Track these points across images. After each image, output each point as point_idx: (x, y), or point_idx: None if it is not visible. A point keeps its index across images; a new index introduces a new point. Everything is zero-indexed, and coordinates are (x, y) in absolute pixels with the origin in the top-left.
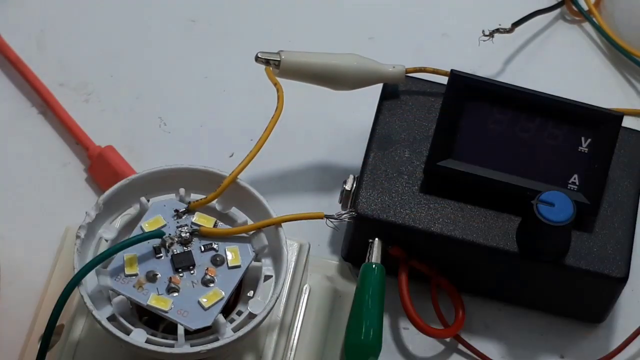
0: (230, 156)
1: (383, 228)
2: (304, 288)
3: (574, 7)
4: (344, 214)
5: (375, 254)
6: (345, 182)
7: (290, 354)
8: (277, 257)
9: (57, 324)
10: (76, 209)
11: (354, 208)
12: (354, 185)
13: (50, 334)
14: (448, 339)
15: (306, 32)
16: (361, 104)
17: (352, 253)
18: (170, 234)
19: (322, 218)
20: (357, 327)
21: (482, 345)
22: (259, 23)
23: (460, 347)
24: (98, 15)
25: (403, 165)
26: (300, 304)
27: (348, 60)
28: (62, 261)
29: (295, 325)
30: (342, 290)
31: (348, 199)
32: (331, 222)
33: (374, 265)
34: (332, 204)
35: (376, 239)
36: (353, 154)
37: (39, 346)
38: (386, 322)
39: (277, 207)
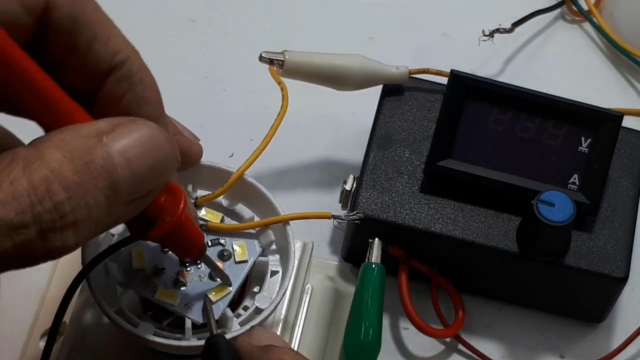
0: (230, 156)
1: (383, 228)
2: (307, 287)
3: (574, 7)
4: (351, 215)
5: (375, 254)
6: (345, 182)
7: None
8: (283, 253)
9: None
10: None
11: (358, 209)
12: (354, 185)
13: (57, 328)
14: (448, 339)
15: (306, 32)
16: (362, 104)
17: (352, 253)
18: None
19: (329, 218)
20: (357, 326)
21: (482, 345)
22: (259, 23)
23: (460, 347)
24: None
25: (403, 165)
26: (303, 303)
27: (352, 61)
28: (63, 261)
29: (298, 324)
30: (343, 291)
31: (348, 198)
32: (337, 222)
33: (373, 265)
34: (332, 203)
35: (376, 238)
36: (353, 154)
37: (41, 344)
38: (386, 322)
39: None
